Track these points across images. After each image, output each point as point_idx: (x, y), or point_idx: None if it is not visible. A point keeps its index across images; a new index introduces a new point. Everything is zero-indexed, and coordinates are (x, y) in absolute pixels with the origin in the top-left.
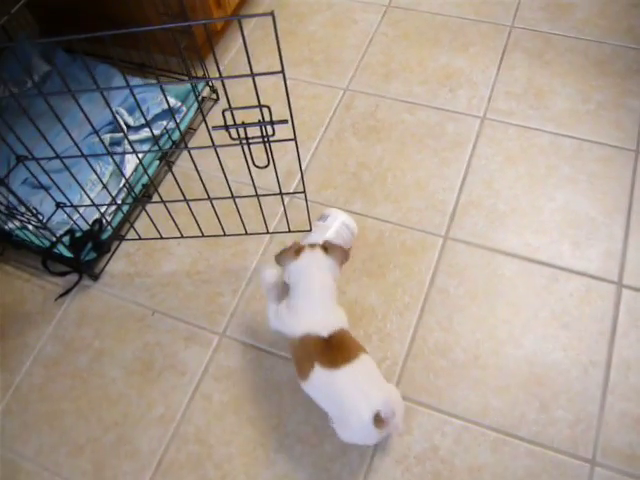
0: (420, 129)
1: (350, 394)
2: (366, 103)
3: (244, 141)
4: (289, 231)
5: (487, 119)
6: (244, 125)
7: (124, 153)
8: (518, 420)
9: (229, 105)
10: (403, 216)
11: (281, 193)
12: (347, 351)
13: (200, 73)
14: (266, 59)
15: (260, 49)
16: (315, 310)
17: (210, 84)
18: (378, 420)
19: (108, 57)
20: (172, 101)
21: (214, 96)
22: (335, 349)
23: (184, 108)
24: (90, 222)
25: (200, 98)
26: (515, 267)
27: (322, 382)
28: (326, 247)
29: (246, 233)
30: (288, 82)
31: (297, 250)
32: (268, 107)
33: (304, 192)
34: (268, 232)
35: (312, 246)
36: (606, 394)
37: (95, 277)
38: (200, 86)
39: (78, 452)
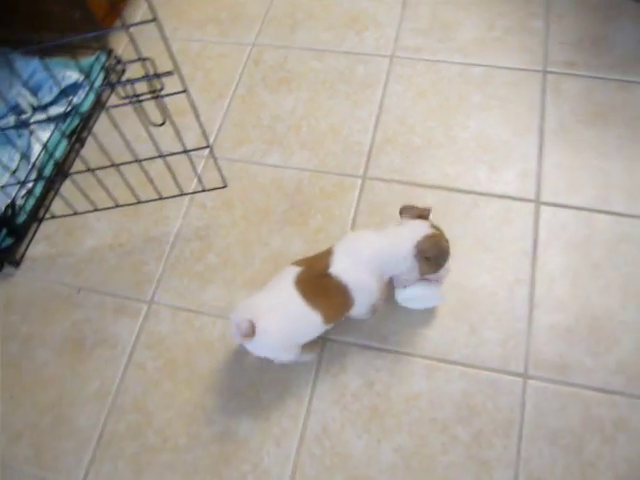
0: (330, 75)
1: (267, 294)
2: (275, 56)
3: (134, 99)
4: (203, 190)
5: (396, 57)
6: (130, 81)
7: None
8: (449, 346)
9: (113, 61)
10: (320, 162)
11: (185, 151)
12: (317, 293)
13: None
14: (171, 22)
15: (164, 13)
16: (359, 247)
17: (114, 55)
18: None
19: (7, 41)
20: (75, 76)
21: (121, 68)
22: (315, 283)
23: (87, 82)
24: (2, 208)
25: (104, 69)
26: (435, 198)
27: (281, 277)
28: (432, 236)
29: (160, 198)
30: (194, 44)
31: (420, 215)
32: (149, 59)
33: (208, 146)
34: (183, 193)
35: (433, 226)
36: (533, 309)
37: (17, 263)
38: (103, 57)
39: (17, 439)
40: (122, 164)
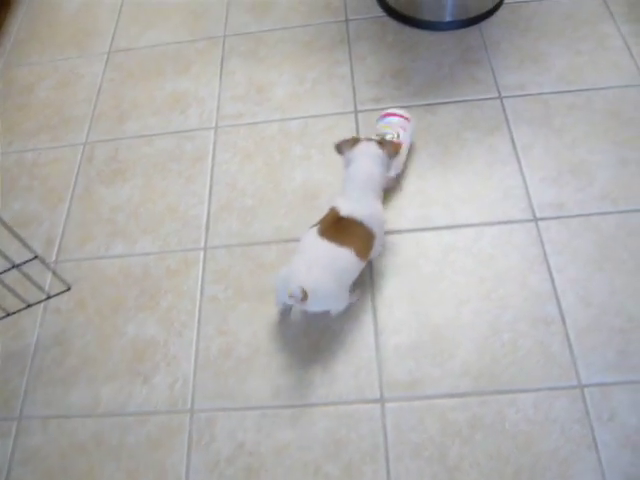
0: (161, 157)
1: (301, 257)
2: (107, 150)
3: None
4: (48, 297)
5: (220, 127)
6: None
7: None
8: (306, 389)
9: None
10: (163, 243)
11: (15, 266)
12: (340, 235)
13: None
14: (5, 137)
15: None
16: (351, 192)
17: None
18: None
19: None
20: None
21: None
22: (335, 227)
23: None
24: None
25: None
26: (274, 252)
27: (306, 239)
28: (381, 142)
29: (8, 314)
30: (29, 154)
31: (354, 141)
32: None
33: (36, 257)
34: (28, 305)
35: (368, 139)
36: (378, 335)
37: None
38: None
39: None
40: None
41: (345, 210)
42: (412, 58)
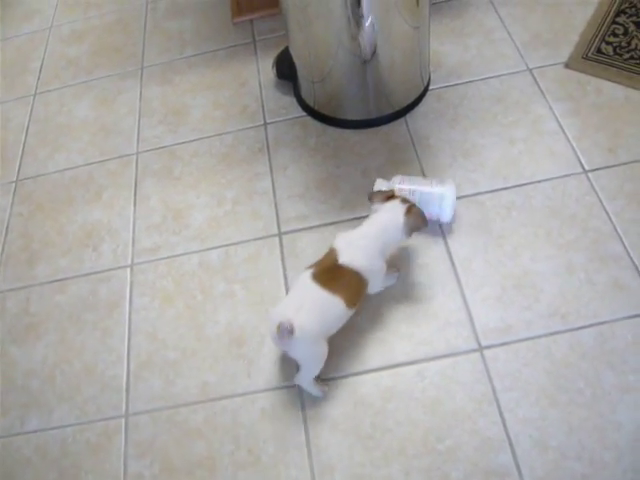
0: (75, 307)
1: (291, 297)
2: (17, 301)
3: None
4: None
5: (136, 265)
6: None
7: None
8: None
9: None
10: (81, 412)
11: None
12: (332, 282)
13: None
14: None
15: None
16: (357, 239)
17: None
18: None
19: None
20: None
21: None
22: (330, 274)
23: None
24: None
25: None
26: (200, 416)
27: (299, 280)
28: (410, 209)
29: None
30: None
31: (388, 197)
32: None
33: None
34: None
35: (403, 200)
36: None
37: None
38: None
39: None
40: None
41: (344, 257)
42: (337, 164)
